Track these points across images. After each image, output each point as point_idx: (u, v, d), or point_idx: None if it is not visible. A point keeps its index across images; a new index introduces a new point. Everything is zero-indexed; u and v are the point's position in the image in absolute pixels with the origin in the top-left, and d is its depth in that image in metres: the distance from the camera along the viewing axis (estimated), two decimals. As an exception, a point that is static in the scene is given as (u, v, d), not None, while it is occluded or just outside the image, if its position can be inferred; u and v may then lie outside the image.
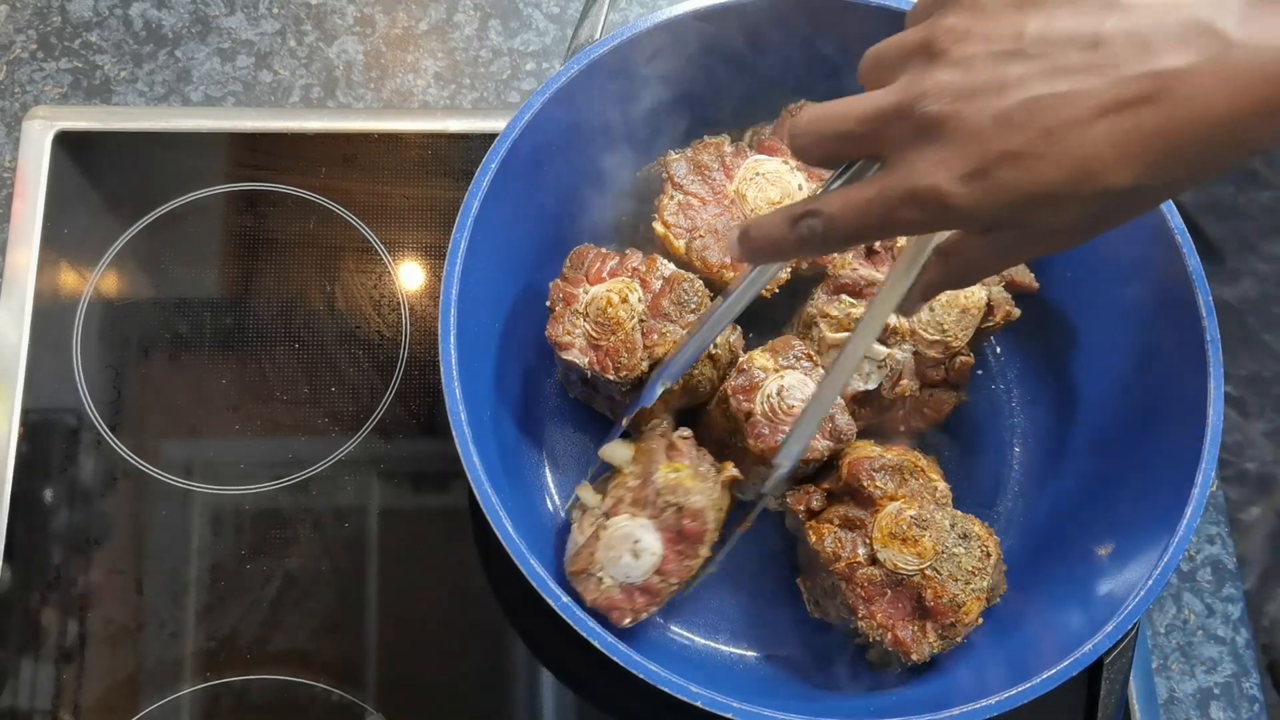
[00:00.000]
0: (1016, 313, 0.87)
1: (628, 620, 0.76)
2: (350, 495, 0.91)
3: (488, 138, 1.00)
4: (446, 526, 0.92)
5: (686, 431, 0.81)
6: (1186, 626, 0.95)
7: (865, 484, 0.79)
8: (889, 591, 0.78)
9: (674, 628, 0.87)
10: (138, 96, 1.03)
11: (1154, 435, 0.81)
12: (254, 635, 0.87)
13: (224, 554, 0.89)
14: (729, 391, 0.81)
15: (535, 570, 0.71)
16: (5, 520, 0.88)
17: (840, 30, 0.84)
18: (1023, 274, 0.89)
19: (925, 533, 0.77)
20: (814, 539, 0.79)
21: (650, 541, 0.77)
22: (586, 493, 0.81)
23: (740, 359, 0.83)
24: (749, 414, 0.81)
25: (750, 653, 0.87)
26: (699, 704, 0.69)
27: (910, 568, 0.77)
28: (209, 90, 1.04)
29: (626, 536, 0.77)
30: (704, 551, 0.78)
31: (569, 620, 0.71)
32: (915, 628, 0.77)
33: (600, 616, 0.76)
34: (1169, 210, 0.80)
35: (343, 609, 0.88)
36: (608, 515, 0.78)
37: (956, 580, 0.77)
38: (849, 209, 0.54)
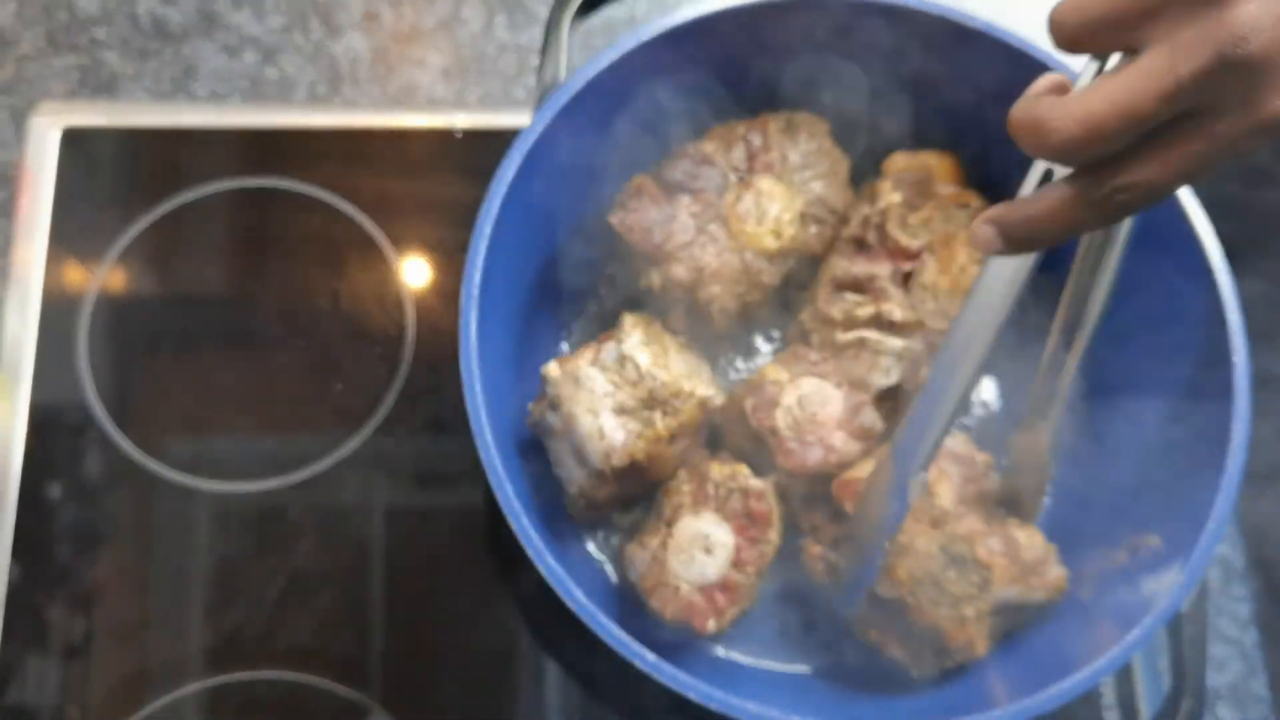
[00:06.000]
0: None
1: (712, 625, 0.76)
2: (355, 492, 0.91)
3: (495, 134, 1.00)
4: (452, 524, 0.91)
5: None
6: (1195, 626, 0.94)
7: (847, 507, 0.77)
8: (881, 611, 0.76)
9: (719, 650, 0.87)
10: (144, 93, 1.03)
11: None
12: (259, 632, 0.87)
13: (229, 551, 0.89)
14: (747, 411, 0.81)
15: (562, 580, 0.70)
16: (13, 517, 0.88)
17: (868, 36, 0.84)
18: None
19: (901, 561, 0.75)
20: (804, 557, 0.79)
21: (720, 534, 0.77)
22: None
23: (752, 375, 0.83)
24: (774, 430, 0.80)
25: (798, 668, 0.86)
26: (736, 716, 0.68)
27: (890, 594, 0.75)
28: (215, 86, 1.04)
29: (696, 535, 0.77)
30: (773, 536, 0.78)
31: (603, 635, 0.69)
32: (911, 648, 0.76)
33: (682, 628, 0.75)
34: (1192, 204, 0.79)
35: (348, 606, 0.88)
36: (669, 523, 0.78)
37: (940, 605, 0.74)
38: (1176, 166, 0.50)
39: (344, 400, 0.94)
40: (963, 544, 0.76)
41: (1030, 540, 0.78)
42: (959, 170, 0.91)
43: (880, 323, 0.84)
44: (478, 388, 0.74)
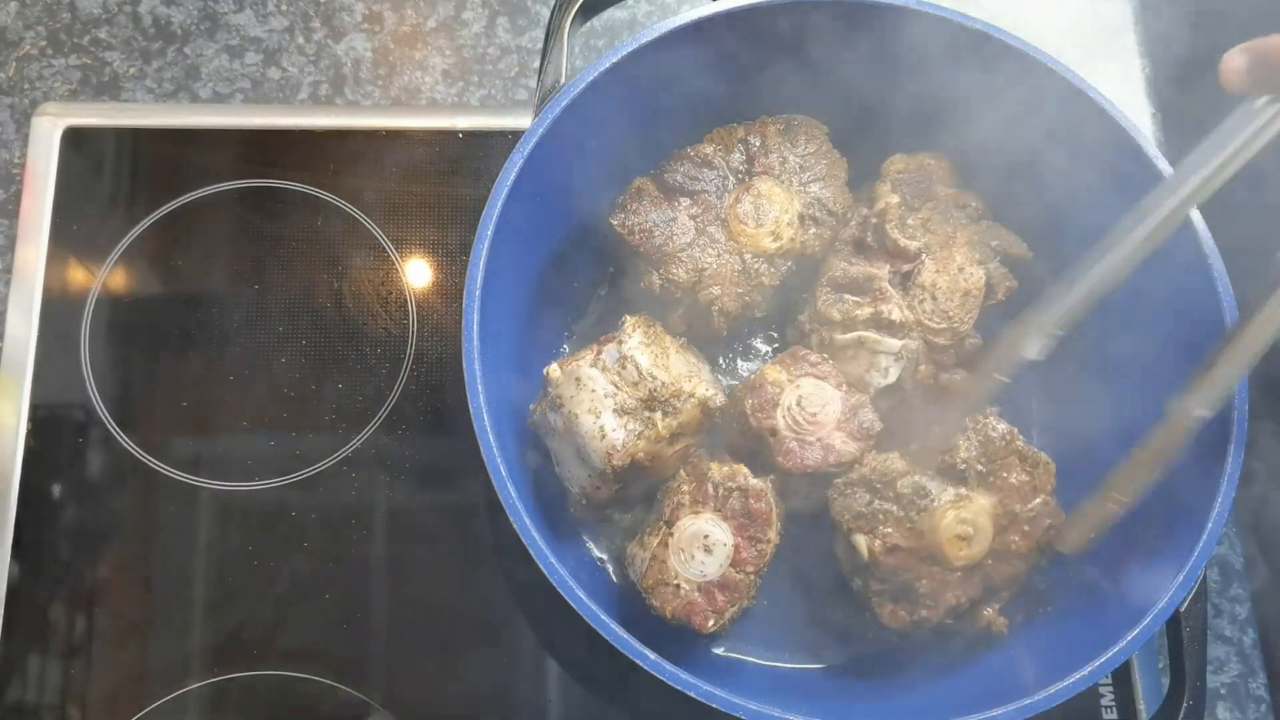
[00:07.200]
0: (1015, 284, 0.87)
1: (711, 623, 0.76)
2: (357, 491, 0.91)
3: (496, 135, 1.01)
4: (454, 522, 0.92)
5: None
6: (1193, 627, 0.94)
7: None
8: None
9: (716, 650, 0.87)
10: (146, 93, 1.03)
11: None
12: (261, 631, 0.87)
13: (231, 550, 0.89)
14: (747, 411, 0.81)
15: (564, 579, 0.71)
16: (14, 516, 0.89)
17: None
18: (1015, 245, 0.89)
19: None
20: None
21: (720, 534, 0.78)
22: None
23: (752, 376, 0.83)
24: (774, 430, 0.81)
25: (805, 665, 0.87)
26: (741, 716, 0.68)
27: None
28: (217, 87, 1.04)
29: (696, 535, 0.78)
30: (772, 535, 0.78)
31: (605, 633, 0.70)
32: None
33: (682, 626, 0.76)
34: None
35: (349, 604, 0.89)
36: (669, 523, 0.79)
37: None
38: None
39: (346, 400, 0.94)
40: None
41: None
42: (957, 171, 0.91)
43: (879, 323, 0.84)
44: (480, 388, 0.74)
